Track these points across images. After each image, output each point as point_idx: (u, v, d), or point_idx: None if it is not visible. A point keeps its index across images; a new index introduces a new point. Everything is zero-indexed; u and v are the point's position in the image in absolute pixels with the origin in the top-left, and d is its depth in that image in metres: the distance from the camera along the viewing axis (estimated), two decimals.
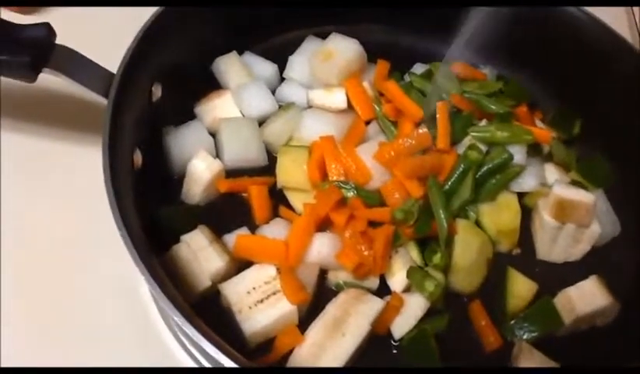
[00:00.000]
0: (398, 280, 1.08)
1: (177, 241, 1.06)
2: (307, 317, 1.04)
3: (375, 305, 1.04)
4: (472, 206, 1.16)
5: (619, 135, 1.26)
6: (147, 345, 1.05)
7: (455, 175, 1.15)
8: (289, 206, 1.17)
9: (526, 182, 1.19)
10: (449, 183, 1.14)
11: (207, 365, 1.01)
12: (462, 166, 1.15)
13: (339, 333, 1.00)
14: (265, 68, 1.33)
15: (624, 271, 1.15)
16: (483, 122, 1.23)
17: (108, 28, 1.30)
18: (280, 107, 1.28)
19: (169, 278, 0.91)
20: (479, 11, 1.18)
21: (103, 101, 1.00)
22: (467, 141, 1.20)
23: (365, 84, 1.28)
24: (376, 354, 1.05)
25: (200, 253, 1.04)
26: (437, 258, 1.07)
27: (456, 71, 1.30)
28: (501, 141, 1.18)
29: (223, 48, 1.32)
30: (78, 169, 1.17)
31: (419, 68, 1.37)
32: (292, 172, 1.17)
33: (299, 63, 1.33)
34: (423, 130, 1.16)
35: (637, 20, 1.63)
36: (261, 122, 1.25)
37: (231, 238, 1.08)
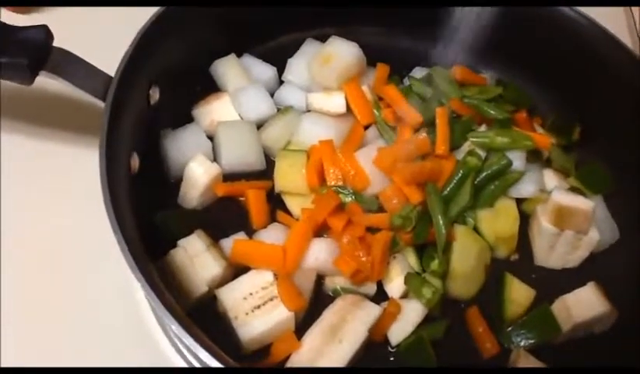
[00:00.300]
0: (395, 286, 1.08)
1: (174, 245, 1.05)
2: (303, 323, 1.03)
3: (372, 311, 1.03)
4: (470, 212, 1.16)
5: (618, 141, 1.26)
6: (143, 349, 1.04)
7: (454, 181, 1.14)
8: (287, 211, 1.16)
9: (525, 188, 1.19)
10: (448, 189, 1.14)
11: None
12: (461, 172, 1.14)
13: (335, 340, 0.99)
14: (264, 70, 1.33)
15: (622, 278, 1.14)
16: (483, 127, 1.23)
17: (106, 30, 1.29)
18: (279, 110, 1.27)
19: (165, 283, 0.90)
20: (478, 15, 1.17)
21: (100, 104, 0.99)
22: (466, 147, 1.19)
23: (364, 88, 1.28)
24: (373, 361, 1.04)
25: (197, 258, 1.03)
26: (435, 264, 1.07)
27: (456, 75, 1.30)
28: (501, 147, 1.18)
29: (221, 51, 1.31)
30: (75, 171, 1.16)
31: (418, 72, 1.36)
32: (290, 176, 1.16)
33: (298, 66, 1.32)
34: (422, 136, 1.15)
35: (636, 23, 1.63)
36: (260, 126, 1.25)
37: (228, 243, 1.08)
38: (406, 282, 1.06)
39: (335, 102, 1.25)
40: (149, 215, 1.07)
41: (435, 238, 1.08)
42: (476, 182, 1.15)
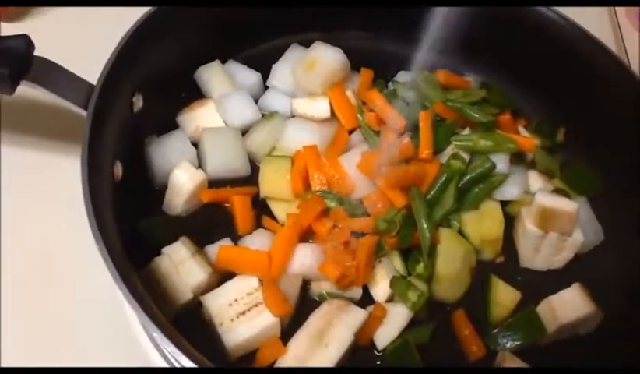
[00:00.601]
0: (381, 290, 1.08)
1: (159, 253, 1.05)
2: (289, 328, 1.03)
3: (358, 315, 1.03)
4: (455, 215, 1.16)
5: (602, 142, 1.27)
6: (129, 354, 1.04)
7: (438, 185, 1.15)
8: (272, 216, 1.16)
9: (509, 191, 1.19)
10: (432, 192, 1.14)
11: None
12: (445, 175, 1.15)
13: (322, 344, 0.99)
14: (249, 76, 1.33)
15: (607, 279, 1.14)
16: (467, 131, 1.23)
17: (88, 39, 1.29)
18: (263, 116, 1.27)
19: (150, 291, 0.90)
20: (461, 17, 1.17)
21: (83, 112, 0.99)
22: (450, 150, 1.20)
23: (349, 93, 1.28)
24: (359, 365, 1.04)
25: (181, 266, 1.03)
26: (420, 267, 1.07)
27: (440, 79, 1.30)
28: (484, 150, 1.18)
29: (205, 57, 1.31)
30: (58, 179, 1.16)
31: (402, 76, 1.37)
32: (275, 182, 1.16)
33: (282, 72, 1.32)
34: (405, 140, 1.16)
35: (620, 23, 1.64)
36: (245, 132, 1.25)
37: (213, 249, 1.08)
38: (391, 286, 1.07)
39: (320, 107, 1.25)
40: (133, 222, 1.07)
41: (420, 242, 1.08)
42: (460, 185, 1.16)
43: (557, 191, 1.21)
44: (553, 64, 1.31)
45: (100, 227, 0.86)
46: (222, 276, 1.06)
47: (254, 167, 1.22)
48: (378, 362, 1.05)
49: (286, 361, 0.99)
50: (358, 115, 1.26)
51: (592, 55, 1.26)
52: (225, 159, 1.19)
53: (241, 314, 1.00)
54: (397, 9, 1.38)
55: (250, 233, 1.13)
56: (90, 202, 0.87)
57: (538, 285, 1.15)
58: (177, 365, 0.99)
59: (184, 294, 1.01)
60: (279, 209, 1.16)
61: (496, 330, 1.09)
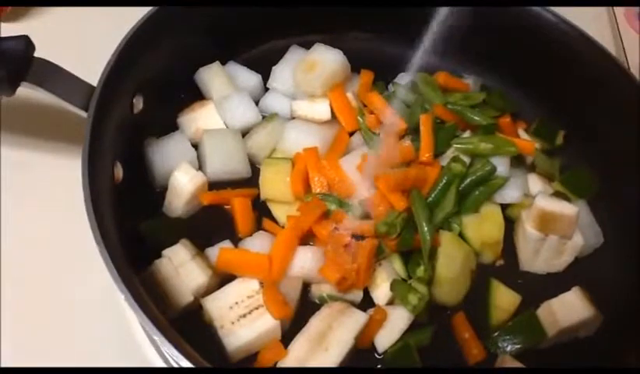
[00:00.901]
0: (381, 293, 1.08)
1: (159, 255, 1.05)
2: (290, 331, 1.03)
3: (359, 318, 1.03)
4: (455, 218, 1.16)
5: (602, 145, 1.27)
6: (129, 355, 1.04)
7: (439, 187, 1.15)
8: (272, 219, 1.16)
9: (509, 194, 1.19)
10: (432, 195, 1.14)
11: None
12: (446, 178, 1.15)
13: (322, 347, 0.99)
14: (249, 78, 1.33)
15: (607, 283, 1.15)
16: (467, 133, 1.23)
17: (88, 39, 1.29)
18: (264, 117, 1.27)
19: (150, 293, 0.90)
20: (462, 20, 1.17)
21: (83, 113, 0.99)
22: (450, 153, 1.20)
23: (349, 95, 1.28)
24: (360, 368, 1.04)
25: (182, 268, 1.03)
26: (420, 270, 1.07)
27: (440, 81, 1.30)
28: (485, 153, 1.18)
29: (206, 58, 1.31)
30: (59, 180, 1.15)
31: (403, 78, 1.36)
32: (275, 184, 1.16)
33: (282, 73, 1.32)
34: (406, 143, 1.16)
35: (618, 25, 1.64)
36: (245, 133, 1.25)
37: (214, 252, 1.07)
38: (392, 289, 1.07)
39: (320, 109, 1.25)
40: (134, 224, 1.07)
41: (421, 245, 1.08)
42: (460, 188, 1.16)
43: (557, 194, 1.21)
44: (553, 67, 1.31)
45: (100, 228, 0.86)
46: (222, 278, 1.06)
47: (255, 169, 1.22)
48: (379, 365, 1.05)
49: (287, 363, 0.98)
50: (358, 117, 1.25)
51: (592, 58, 1.26)
52: (225, 161, 1.19)
53: (242, 317, 1.00)
54: (397, 11, 1.38)
55: (250, 235, 1.13)
56: (91, 203, 0.87)
57: (538, 288, 1.15)
58: (175, 365, 1.00)
59: (184, 296, 1.01)
60: (279, 212, 1.16)
61: (496, 334, 1.09)
